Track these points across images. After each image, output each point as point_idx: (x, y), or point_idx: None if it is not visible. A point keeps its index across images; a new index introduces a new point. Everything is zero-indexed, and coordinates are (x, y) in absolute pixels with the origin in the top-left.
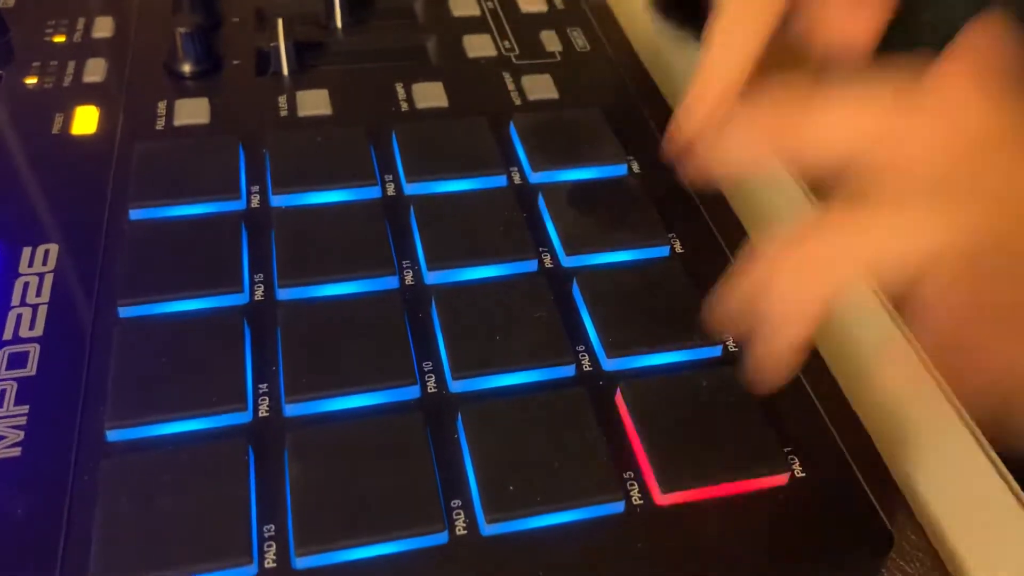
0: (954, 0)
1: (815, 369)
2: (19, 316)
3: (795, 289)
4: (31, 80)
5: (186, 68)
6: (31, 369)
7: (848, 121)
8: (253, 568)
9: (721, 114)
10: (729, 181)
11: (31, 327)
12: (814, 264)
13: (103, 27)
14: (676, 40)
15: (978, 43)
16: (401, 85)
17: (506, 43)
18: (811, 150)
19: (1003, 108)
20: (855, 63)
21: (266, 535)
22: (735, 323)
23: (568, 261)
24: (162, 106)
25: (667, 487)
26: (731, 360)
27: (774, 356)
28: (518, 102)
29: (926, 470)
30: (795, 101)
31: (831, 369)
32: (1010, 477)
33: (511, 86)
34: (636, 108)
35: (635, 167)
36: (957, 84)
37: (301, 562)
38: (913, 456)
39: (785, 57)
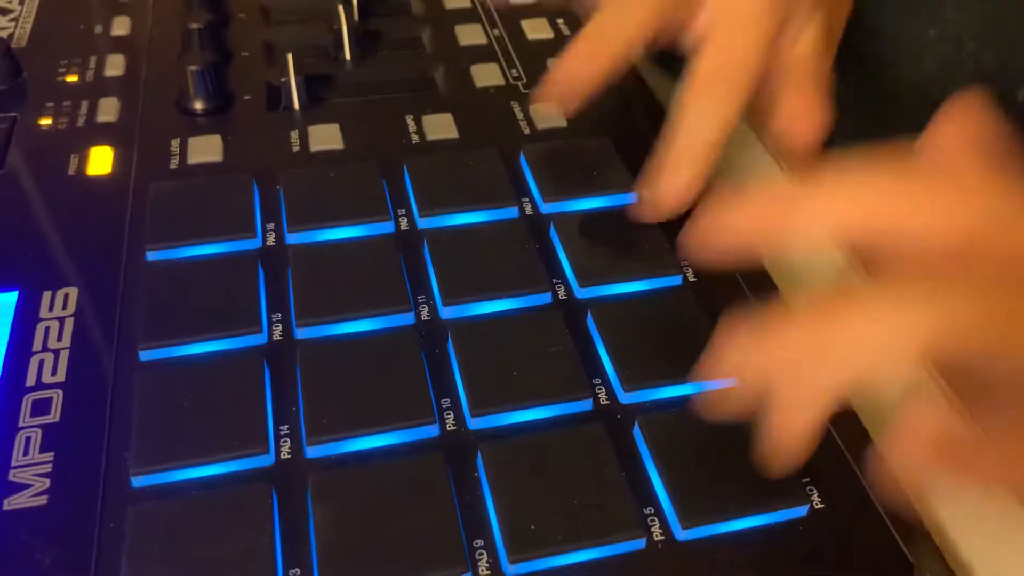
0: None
1: None
2: (41, 362)
3: (805, 376)
4: (46, 121)
5: (198, 105)
6: (55, 415)
7: (842, 206)
8: None
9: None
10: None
11: (53, 372)
12: (825, 350)
13: (114, 65)
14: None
15: (961, 118)
16: (411, 117)
17: (513, 71)
18: (806, 236)
19: (1001, 179)
20: (806, 154)
21: None
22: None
23: (582, 292)
24: (175, 144)
25: (688, 522)
26: None
27: (785, 440)
28: (527, 131)
29: (949, 501)
30: (785, 192)
31: (850, 400)
32: None
33: (520, 115)
34: (644, 136)
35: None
36: (952, 157)
37: None
38: (935, 487)
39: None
